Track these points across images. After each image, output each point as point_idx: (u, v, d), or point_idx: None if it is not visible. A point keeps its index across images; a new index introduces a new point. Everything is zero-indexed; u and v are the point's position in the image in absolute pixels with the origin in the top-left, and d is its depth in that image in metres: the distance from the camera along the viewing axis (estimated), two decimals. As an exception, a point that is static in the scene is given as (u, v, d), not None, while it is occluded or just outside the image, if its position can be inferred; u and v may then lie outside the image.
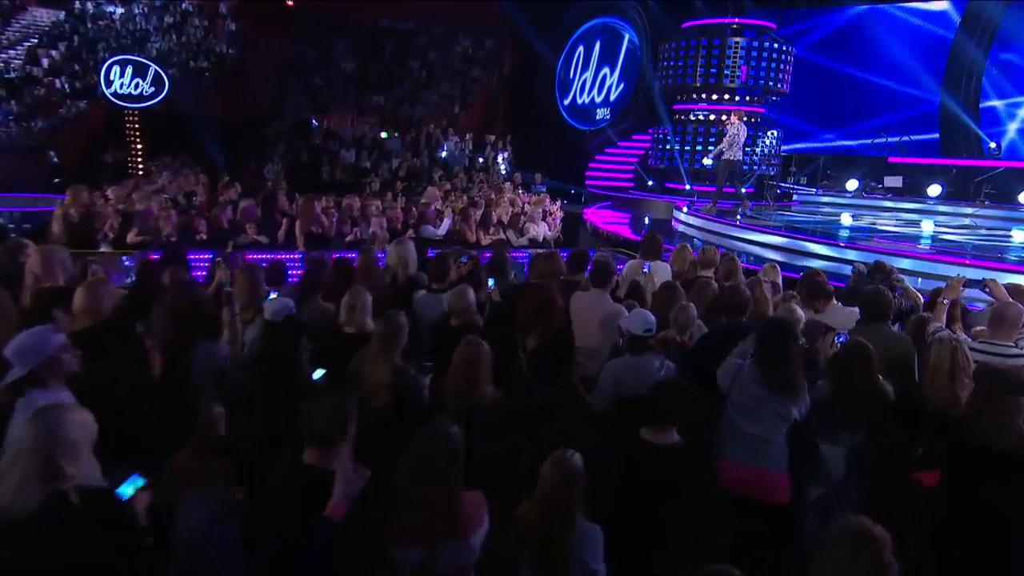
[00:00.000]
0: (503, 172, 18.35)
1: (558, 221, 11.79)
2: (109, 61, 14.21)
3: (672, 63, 17.81)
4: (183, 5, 21.09)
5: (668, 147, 18.31)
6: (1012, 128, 17.44)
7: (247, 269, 4.62)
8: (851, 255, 9.42)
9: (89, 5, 20.30)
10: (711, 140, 17.15)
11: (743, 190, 15.20)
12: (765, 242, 11.04)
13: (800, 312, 4.49)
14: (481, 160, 19.28)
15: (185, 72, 18.81)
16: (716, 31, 17.16)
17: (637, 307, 4.51)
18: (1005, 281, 5.39)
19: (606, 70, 21.61)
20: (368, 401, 3.42)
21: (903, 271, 6.94)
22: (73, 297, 3.75)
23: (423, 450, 2.52)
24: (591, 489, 2.66)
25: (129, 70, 13.93)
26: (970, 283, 5.18)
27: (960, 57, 17.60)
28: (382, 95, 21.68)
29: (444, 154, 18.79)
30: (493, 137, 20.06)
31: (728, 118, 13.88)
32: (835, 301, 5.00)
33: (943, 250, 10.30)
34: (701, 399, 3.68)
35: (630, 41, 20.99)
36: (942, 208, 15.81)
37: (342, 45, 22.55)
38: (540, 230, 10.48)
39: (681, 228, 14.08)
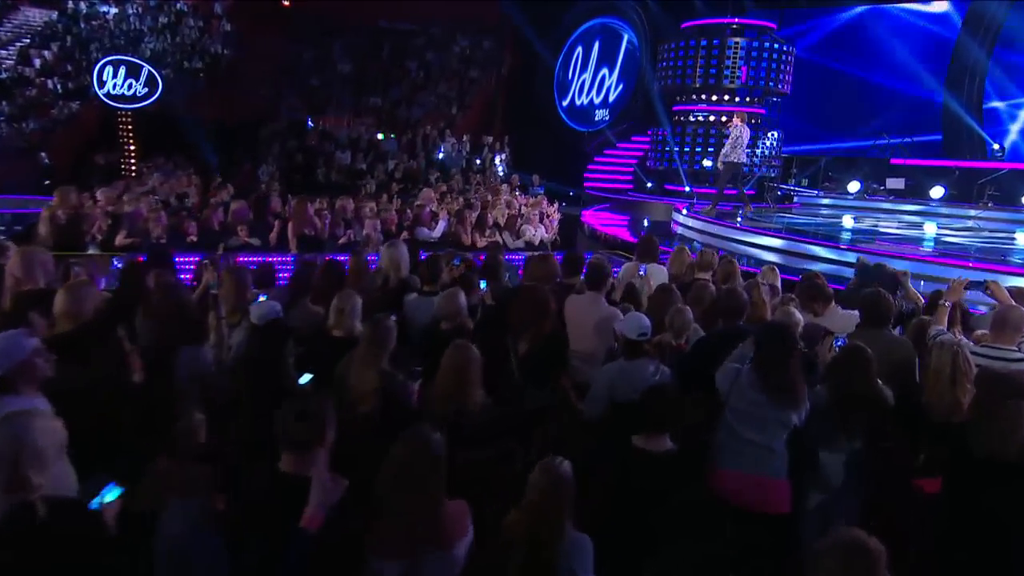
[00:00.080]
0: (501, 174, 18.25)
1: (555, 223, 11.68)
2: (102, 61, 14.16)
3: (671, 64, 17.70)
4: (178, 5, 20.99)
5: (667, 149, 18.22)
6: (1015, 129, 17.36)
7: (234, 272, 4.53)
8: (852, 258, 9.32)
9: (82, 5, 20.22)
10: (711, 142, 17.09)
11: (745, 192, 15.12)
12: (765, 244, 10.94)
13: (798, 315, 4.41)
14: (478, 162, 19.18)
15: (179, 73, 18.72)
16: (716, 31, 17.06)
17: (632, 310, 4.44)
18: (1008, 284, 5.31)
19: (605, 71, 21.54)
20: (354, 406, 3.35)
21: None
22: (54, 300, 3.67)
23: (404, 457, 2.44)
24: (583, 495, 2.58)
25: (122, 71, 13.88)
26: (972, 285, 5.10)
27: (963, 57, 17.49)
28: (379, 96, 21.59)
29: (441, 155, 18.70)
30: (491, 138, 19.95)
31: (731, 120, 13.74)
32: (834, 304, 4.92)
33: (946, 252, 10.22)
34: (699, 401, 3.61)
35: (629, 41, 20.92)
36: (944, 210, 15.70)
37: (339, 46, 22.46)
38: (537, 232, 10.41)
39: (680, 230, 13.98)
